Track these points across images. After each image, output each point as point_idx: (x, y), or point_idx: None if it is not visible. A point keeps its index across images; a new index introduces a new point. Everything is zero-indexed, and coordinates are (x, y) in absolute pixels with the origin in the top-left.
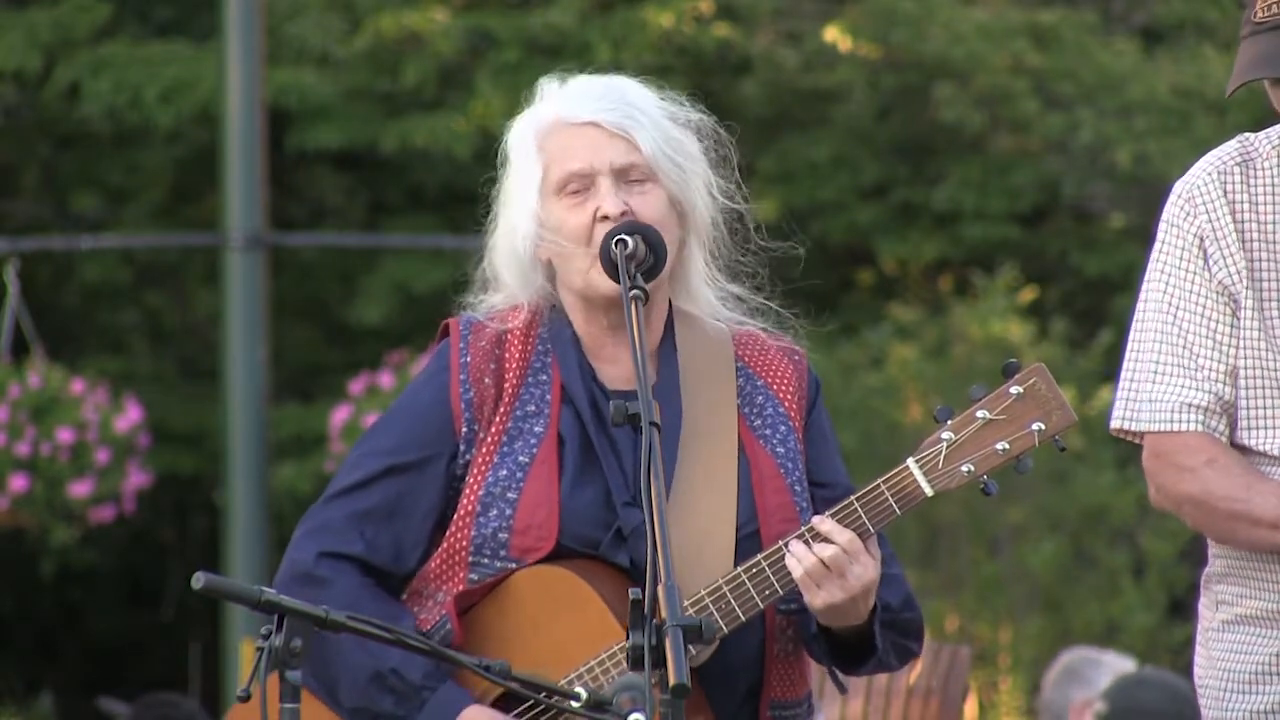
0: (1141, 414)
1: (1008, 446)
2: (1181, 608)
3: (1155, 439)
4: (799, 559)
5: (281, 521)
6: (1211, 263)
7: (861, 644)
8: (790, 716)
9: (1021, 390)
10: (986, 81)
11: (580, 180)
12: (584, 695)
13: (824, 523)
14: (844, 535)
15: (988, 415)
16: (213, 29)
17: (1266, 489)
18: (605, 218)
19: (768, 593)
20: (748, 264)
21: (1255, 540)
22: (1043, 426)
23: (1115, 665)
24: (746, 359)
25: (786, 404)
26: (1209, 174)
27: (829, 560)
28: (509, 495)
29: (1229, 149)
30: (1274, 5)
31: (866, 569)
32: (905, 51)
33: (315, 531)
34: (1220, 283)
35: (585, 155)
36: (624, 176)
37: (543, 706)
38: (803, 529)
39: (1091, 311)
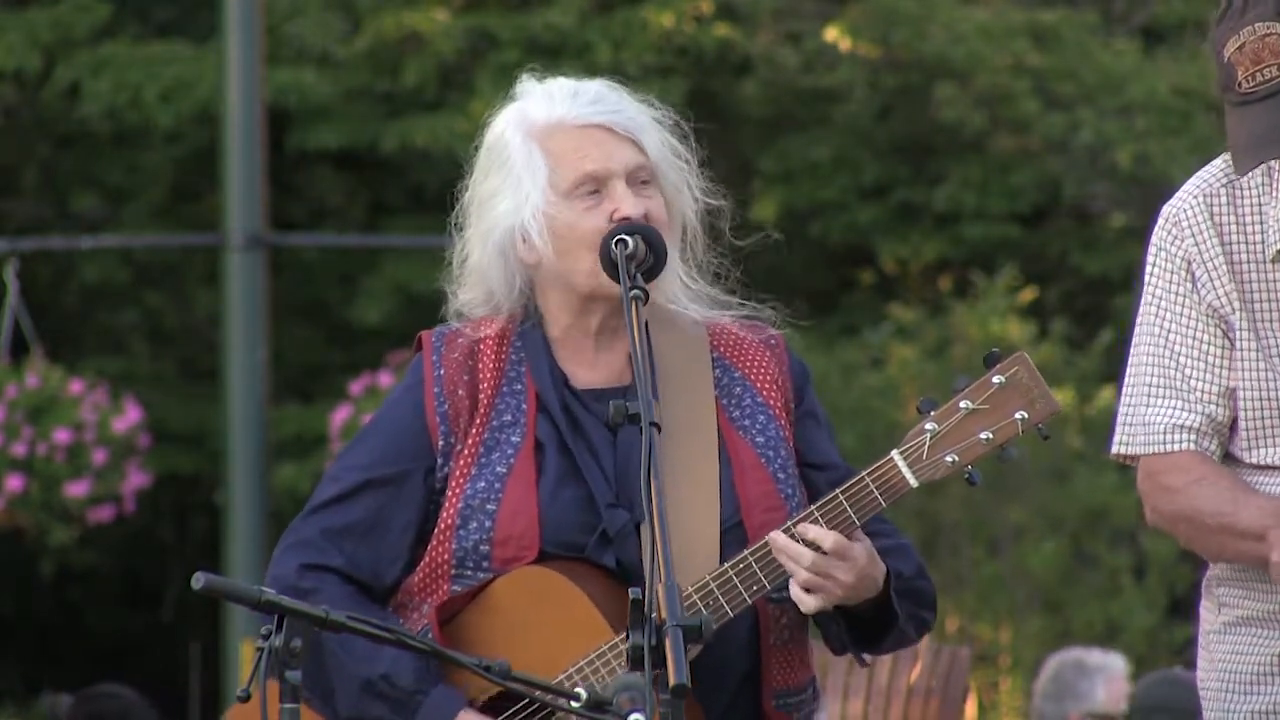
0: (1136, 438)
1: (991, 436)
2: (1182, 608)
3: (1148, 460)
4: (793, 558)
5: (281, 521)
6: (1200, 286)
7: (879, 617)
8: (795, 704)
9: (1004, 379)
10: (986, 81)
11: (595, 182)
12: (584, 695)
13: (809, 530)
14: (829, 540)
15: (971, 405)
16: (213, 29)
17: (1251, 501)
18: (625, 219)
19: (755, 588)
20: (720, 260)
21: (1240, 552)
22: (1026, 415)
23: (1104, 669)
24: (723, 351)
25: (765, 393)
26: (1195, 197)
27: (814, 567)
28: (488, 507)
29: (1214, 170)
30: (1256, 74)
31: (856, 563)
32: (905, 51)
33: (295, 546)
34: (1210, 305)
35: (600, 157)
36: (633, 179)
37: (537, 708)
38: (788, 524)
39: (1091, 311)
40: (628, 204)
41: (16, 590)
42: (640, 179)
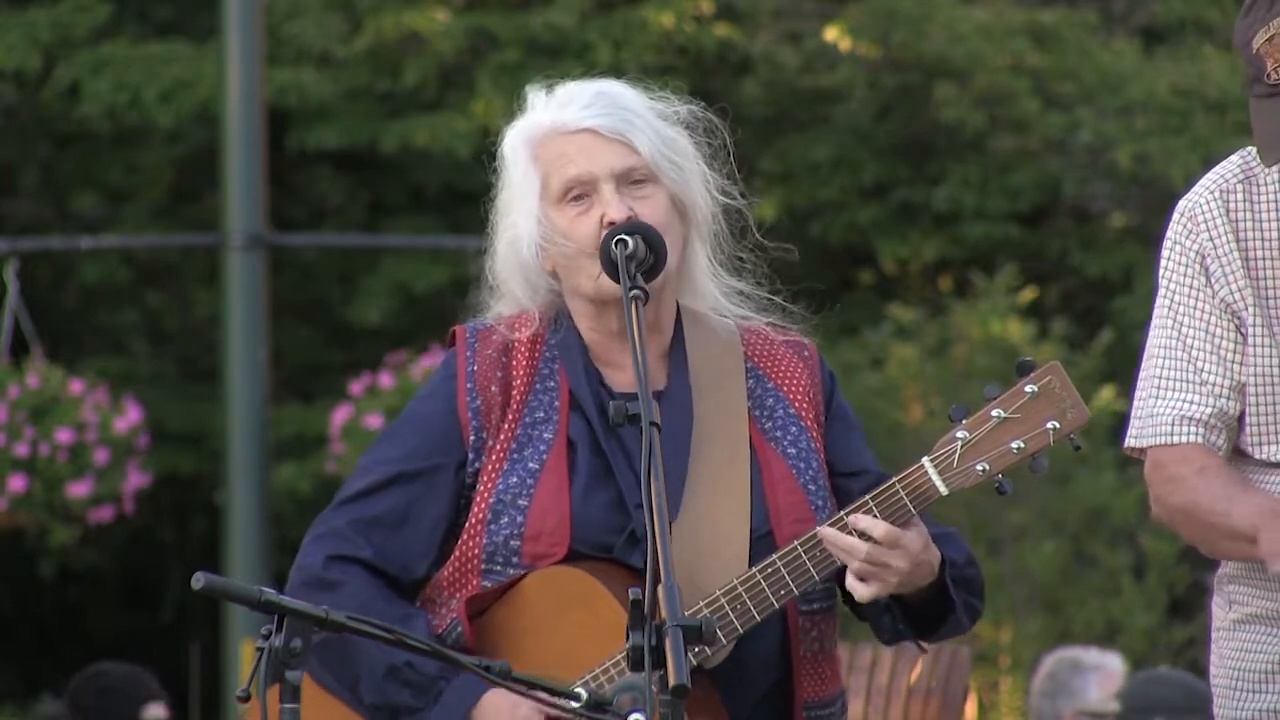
0: (1145, 429)
1: (1023, 445)
2: (1182, 608)
3: (1155, 451)
4: (845, 549)
5: (281, 521)
6: (1214, 281)
7: (935, 606)
8: (826, 716)
9: (1036, 389)
10: (986, 81)
11: (582, 187)
12: (584, 696)
13: (859, 520)
14: (879, 528)
15: (1002, 414)
16: (213, 29)
17: (1246, 500)
18: (612, 223)
19: (783, 592)
20: (748, 259)
21: (1232, 552)
22: (1057, 425)
23: (1100, 668)
24: (756, 359)
25: (797, 405)
26: (1210, 192)
27: (868, 557)
28: (519, 502)
29: (1230, 166)
30: None
31: (909, 550)
32: (905, 51)
33: (323, 537)
34: (1223, 300)
35: (584, 162)
36: (625, 180)
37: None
38: (841, 514)
39: (1091, 311)
40: (613, 207)
41: (16, 590)
42: (633, 179)
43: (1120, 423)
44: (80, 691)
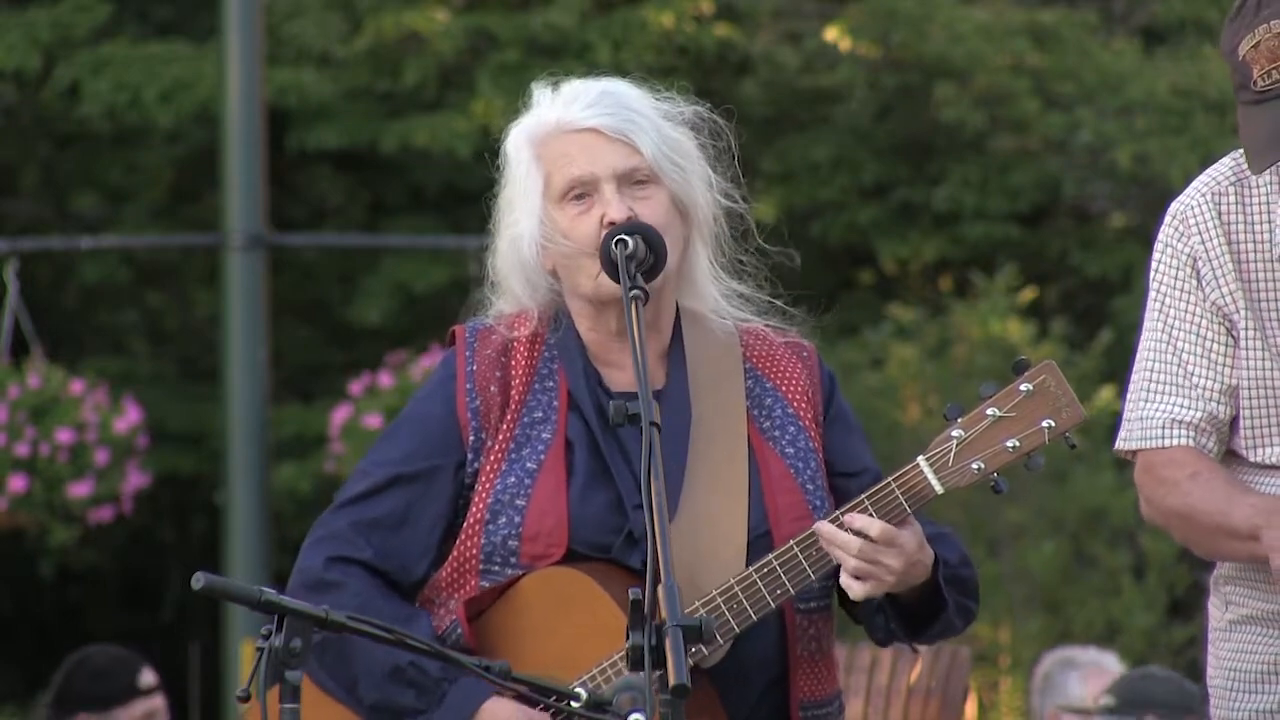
0: (1135, 432)
1: (1018, 444)
2: (1181, 608)
3: (1145, 454)
4: (841, 546)
5: (281, 521)
6: (1205, 284)
7: (927, 605)
8: (822, 715)
9: (1031, 387)
10: (986, 81)
11: (583, 186)
12: (584, 695)
13: (855, 519)
14: (875, 527)
15: (997, 413)
16: (213, 29)
17: (1244, 500)
18: (612, 223)
19: (779, 592)
20: (749, 261)
21: (1233, 552)
22: (1053, 423)
23: (1087, 665)
24: (754, 360)
25: (795, 405)
26: (1202, 195)
27: (862, 554)
28: (517, 503)
29: (1223, 168)
30: (1271, 72)
31: (904, 549)
32: (905, 51)
33: (323, 539)
34: (1214, 303)
35: (586, 161)
36: (626, 180)
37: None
38: (837, 513)
39: (1091, 311)
40: (614, 207)
41: (16, 590)
42: (635, 179)
43: (1119, 422)
44: (72, 679)
